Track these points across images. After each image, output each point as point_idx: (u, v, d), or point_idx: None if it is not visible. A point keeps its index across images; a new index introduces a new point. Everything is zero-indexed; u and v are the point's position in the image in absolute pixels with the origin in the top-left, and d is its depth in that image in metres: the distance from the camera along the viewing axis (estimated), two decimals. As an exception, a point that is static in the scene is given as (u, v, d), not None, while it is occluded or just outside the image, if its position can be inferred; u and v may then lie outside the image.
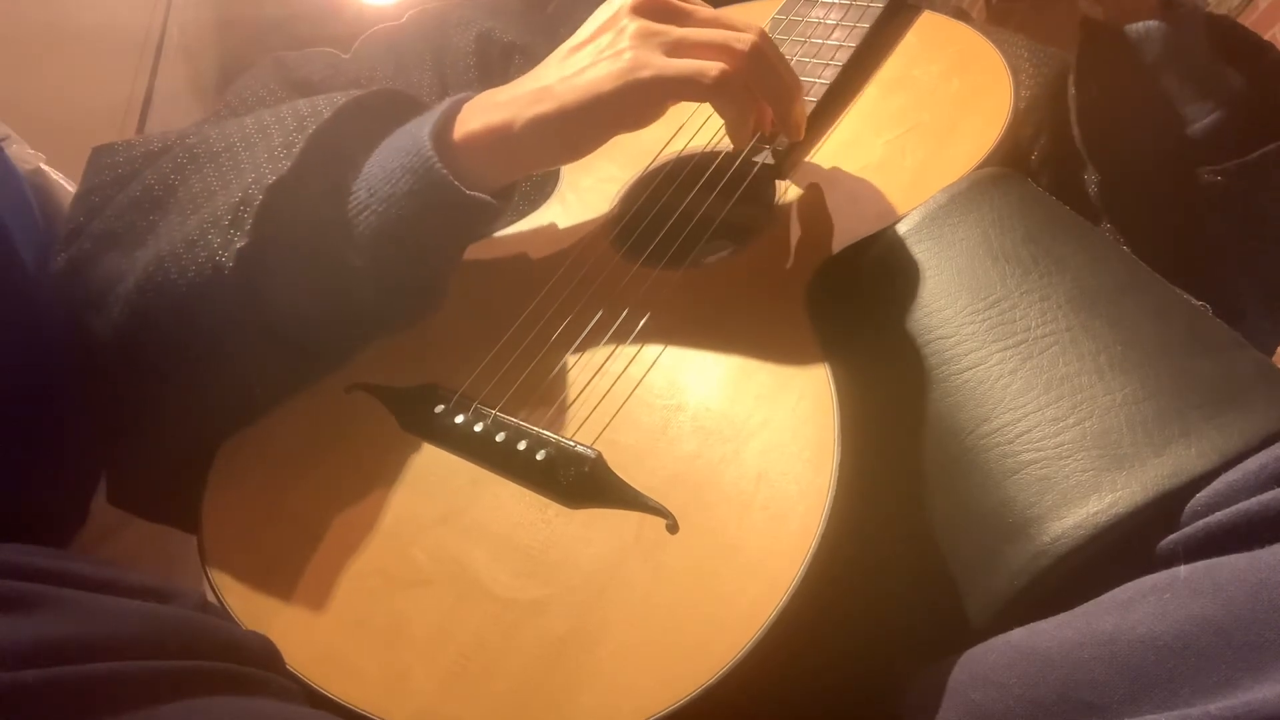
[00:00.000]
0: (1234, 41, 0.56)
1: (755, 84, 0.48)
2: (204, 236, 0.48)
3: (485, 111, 0.50)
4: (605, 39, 0.49)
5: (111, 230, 0.53)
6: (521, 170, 0.52)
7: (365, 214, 0.50)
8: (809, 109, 0.55)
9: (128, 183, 0.54)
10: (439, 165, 0.48)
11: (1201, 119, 0.54)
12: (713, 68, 0.46)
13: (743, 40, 0.47)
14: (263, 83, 0.65)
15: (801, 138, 0.51)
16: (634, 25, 0.48)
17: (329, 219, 0.50)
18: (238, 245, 0.47)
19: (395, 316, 0.53)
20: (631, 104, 0.47)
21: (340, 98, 0.54)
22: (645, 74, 0.46)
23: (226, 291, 0.48)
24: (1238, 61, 0.56)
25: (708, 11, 0.49)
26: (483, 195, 0.49)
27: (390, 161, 0.50)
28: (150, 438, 0.53)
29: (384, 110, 0.55)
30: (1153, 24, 0.55)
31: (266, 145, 0.51)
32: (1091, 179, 0.56)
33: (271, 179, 0.49)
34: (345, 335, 0.53)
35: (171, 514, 0.57)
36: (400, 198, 0.49)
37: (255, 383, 0.51)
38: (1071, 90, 0.57)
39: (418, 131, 0.50)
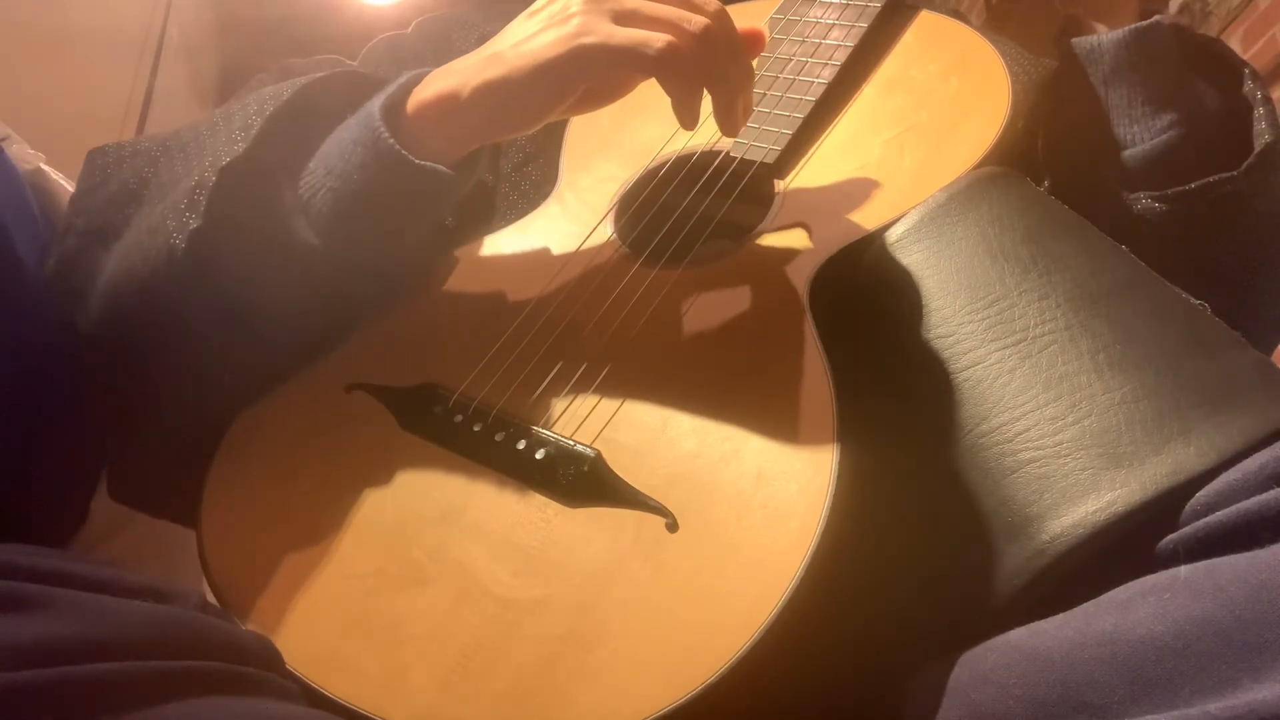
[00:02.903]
0: (1215, 61, 0.56)
1: (699, 66, 0.46)
2: (163, 222, 0.49)
3: (438, 79, 0.50)
4: (558, 4, 0.48)
5: (93, 227, 0.53)
6: (473, 139, 0.51)
7: (321, 191, 0.50)
8: (807, 110, 0.55)
9: (110, 180, 0.55)
10: (386, 135, 0.48)
11: (1154, 137, 0.54)
12: (658, 39, 0.45)
13: (694, 22, 0.46)
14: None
15: (733, 135, 0.50)
16: None
17: (287, 199, 0.50)
18: (191, 226, 0.47)
19: (364, 300, 0.53)
20: (575, 70, 0.46)
21: (303, 80, 0.54)
22: (589, 40, 0.45)
23: (182, 273, 0.48)
24: (1217, 82, 0.56)
25: None
26: (436, 165, 0.49)
27: (344, 137, 0.50)
28: (142, 429, 0.54)
29: (355, 93, 0.54)
30: (1105, 37, 0.55)
31: (228, 130, 0.52)
32: (1048, 188, 0.56)
33: (226, 160, 0.49)
34: (314, 321, 0.53)
35: (170, 508, 0.57)
36: (352, 171, 0.49)
37: (226, 369, 0.51)
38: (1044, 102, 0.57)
39: (371, 105, 0.50)
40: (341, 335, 0.54)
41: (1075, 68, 0.56)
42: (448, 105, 0.49)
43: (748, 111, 0.50)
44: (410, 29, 0.75)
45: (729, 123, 0.49)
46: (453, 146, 0.50)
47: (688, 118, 0.48)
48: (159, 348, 0.51)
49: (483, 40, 0.71)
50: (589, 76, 0.47)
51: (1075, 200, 0.48)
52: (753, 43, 0.50)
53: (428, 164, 0.48)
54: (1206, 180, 0.51)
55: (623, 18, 0.47)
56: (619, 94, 0.52)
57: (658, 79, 0.47)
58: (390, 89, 0.50)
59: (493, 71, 0.47)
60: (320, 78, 0.54)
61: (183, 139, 0.54)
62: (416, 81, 0.51)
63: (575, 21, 0.46)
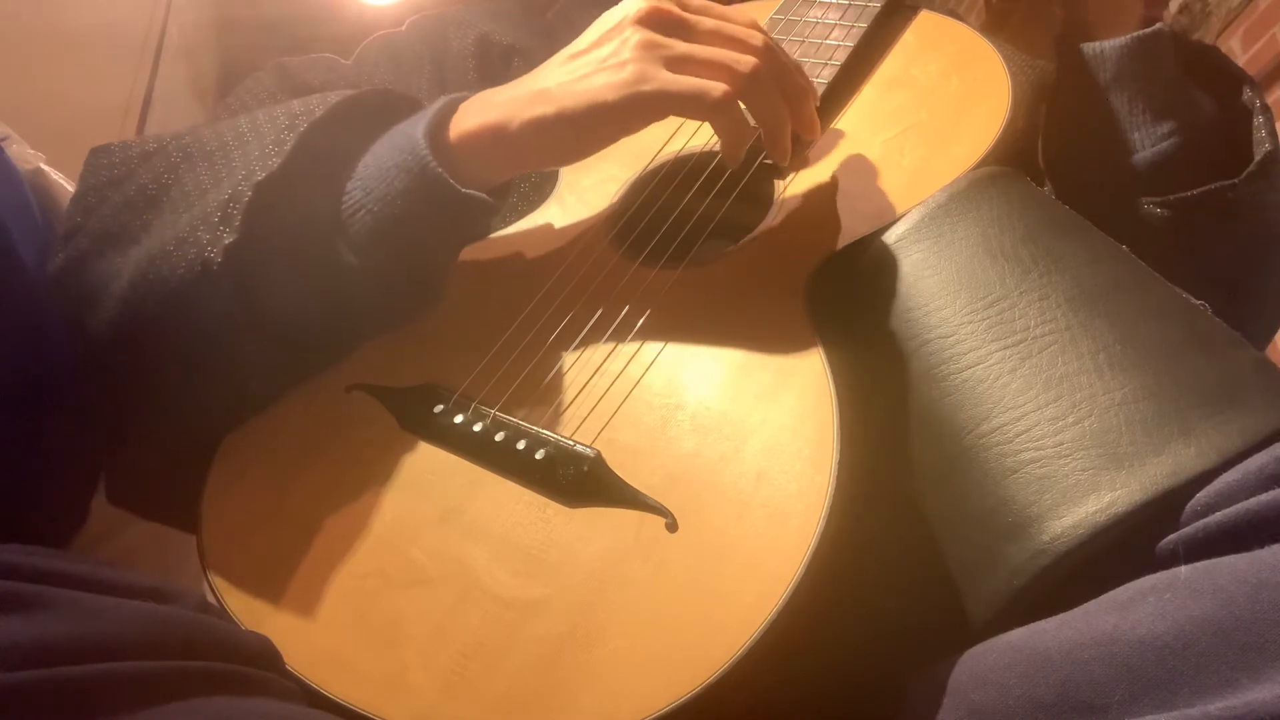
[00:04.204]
0: (1213, 69, 0.56)
1: (752, 106, 0.48)
2: (194, 233, 0.49)
3: (482, 111, 0.50)
4: (608, 48, 0.48)
5: (107, 230, 0.53)
6: (515, 170, 0.53)
7: (360, 213, 0.50)
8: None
9: (123, 183, 0.54)
10: (434, 163, 0.48)
11: (1154, 145, 0.54)
12: (715, 89, 0.46)
13: (743, 62, 0.47)
14: (264, 87, 0.65)
15: (783, 163, 0.50)
16: (637, 36, 0.48)
17: (323, 217, 0.50)
18: (226, 241, 0.48)
19: (392, 313, 0.53)
20: (631, 116, 0.47)
21: (334, 97, 0.54)
22: (648, 88, 0.46)
23: (216, 287, 0.48)
24: (1213, 89, 0.56)
25: (710, 23, 0.49)
26: (478, 193, 0.49)
27: (385, 160, 0.50)
28: (148, 433, 0.54)
29: (379, 109, 0.55)
30: (1107, 44, 0.55)
31: (259, 143, 0.51)
32: (1048, 191, 0.56)
33: (261, 176, 0.49)
34: (342, 331, 0.53)
35: (170, 512, 0.57)
36: (395, 196, 0.49)
37: (250, 378, 0.51)
38: (1044, 105, 0.57)
39: (412, 130, 0.50)
40: (363, 343, 0.54)
41: (1079, 72, 0.56)
42: (493, 137, 0.49)
43: (812, 127, 0.50)
44: (404, 27, 0.75)
45: (779, 152, 0.50)
46: (493, 175, 0.51)
47: (736, 158, 0.49)
48: (178, 354, 0.51)
49: (480, 40, 0.71)
50: (645, 121, 0.48)
51: (1077, 204, 0.49)
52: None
53: (472, 192, 0.49)
54: (1208, 187, 0.51)
55: (675, 63, 0.47)
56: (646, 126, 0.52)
57: (712, 124, 0.47)
58: (430, 115, 0.51)
59: (543, 108, 0.48)
60: (351, 96, 0.54)
61: (205, 146, 0.53)
62: (453, 108, 0.51)
63: (631, 69, 0.47)
